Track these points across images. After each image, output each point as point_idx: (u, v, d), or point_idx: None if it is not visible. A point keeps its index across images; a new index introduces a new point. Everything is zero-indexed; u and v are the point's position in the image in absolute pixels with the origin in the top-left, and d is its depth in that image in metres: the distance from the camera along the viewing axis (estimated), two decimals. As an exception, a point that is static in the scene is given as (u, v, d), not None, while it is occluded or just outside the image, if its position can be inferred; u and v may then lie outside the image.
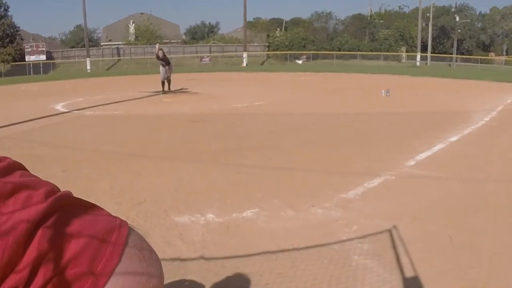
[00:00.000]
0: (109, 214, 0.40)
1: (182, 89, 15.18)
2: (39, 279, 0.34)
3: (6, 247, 0.33)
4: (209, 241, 3.08)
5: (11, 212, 0.35)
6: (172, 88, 14.44)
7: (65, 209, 0.38)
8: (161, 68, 14.12)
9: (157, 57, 14.08)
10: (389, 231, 3.18)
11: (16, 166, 0.41)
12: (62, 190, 0.41)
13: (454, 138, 6.53)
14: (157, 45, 15.68)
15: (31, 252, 0.34)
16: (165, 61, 13.95)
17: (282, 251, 2.90)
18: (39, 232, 0.35)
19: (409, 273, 2.60)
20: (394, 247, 2.94)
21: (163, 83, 14.23)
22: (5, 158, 0.41)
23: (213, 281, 2.53)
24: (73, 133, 7.72)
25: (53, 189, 0.40)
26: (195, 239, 3.09)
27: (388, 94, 12.52)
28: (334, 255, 2.85)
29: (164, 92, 14.10)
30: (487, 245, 2.97)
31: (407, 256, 2.79)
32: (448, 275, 2.59)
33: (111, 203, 3.77)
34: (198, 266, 2.71)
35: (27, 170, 0.42)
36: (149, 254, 0.40)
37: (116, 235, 0.38)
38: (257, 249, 2.93)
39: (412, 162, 5.13)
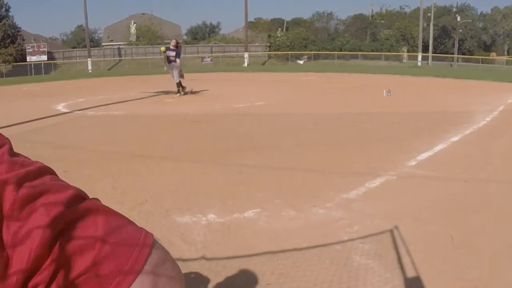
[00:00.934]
0: (135, 224, 0.42)
1: (192, 90, 14.21)
2: (59, 281, 0.36)
3: (32, 250, 0.35)
4: (211, 241, 3.08)
5: (37, 217, 0.36)
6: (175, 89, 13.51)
7: (91, 214, 0.39)
8: (171, 66, 12.76)
9: (174, 47, 12.62)
10: (390, 231, 3.19)
11: (46, 171, 0.42)
12: None
13: (455, 138, 6.53)
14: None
15: (54, 255, 0.36)
16: (177, 53, 12.68)
17: (284, 251, 2.91)
18: (62, 236, 0.36)
19: (410, 273, 2.61)
20: (395, 247, 2.94)
21: (178, 83, 13.00)
22: (36, 162, 0.42)
23: (215, 281, 2.54)
24: (74, 133, 7.73)
25: (80, 195, 0.41)
26: (196, 239, 3.10)
27: (389, 94, 12.51)
28: (335, 255, 2.86)
29: (184, 92, 13.18)
30: (487, 245, 2.98)
31: (408, 256, 2.79)
32: (449, 275, 2.60)
33: (113, 203, 3.78)
34: (199, 266, 2.72)
35: (56, 175, 0.43)
36: (172, 262, 0.43)
37: (143, 239, 0.40)
38: (258, 249, 2.94)
39: (413, 162, 5.14)
